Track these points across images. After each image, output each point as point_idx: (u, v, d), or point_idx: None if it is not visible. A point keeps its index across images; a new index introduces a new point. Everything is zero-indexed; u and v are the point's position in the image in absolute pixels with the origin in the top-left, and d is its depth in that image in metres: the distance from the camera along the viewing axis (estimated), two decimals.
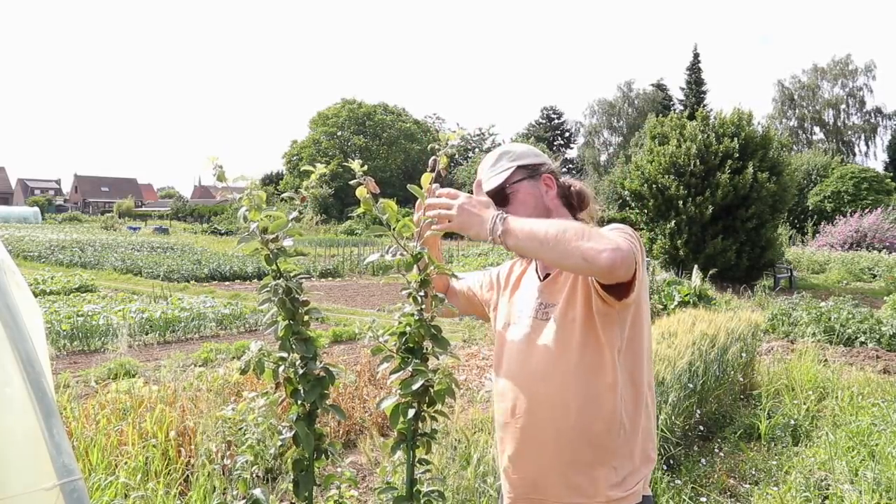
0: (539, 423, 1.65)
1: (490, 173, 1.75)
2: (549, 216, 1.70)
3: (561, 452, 1.63)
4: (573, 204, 1.80)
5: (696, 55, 49.37)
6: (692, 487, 4.01)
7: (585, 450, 1.61)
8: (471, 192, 1.61)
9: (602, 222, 1.79)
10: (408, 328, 1.53)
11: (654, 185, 16.86)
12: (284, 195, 1.61)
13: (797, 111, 55.33)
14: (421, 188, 1.57)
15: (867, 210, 26.77)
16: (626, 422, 1.63)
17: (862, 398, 5.71)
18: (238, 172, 1.43)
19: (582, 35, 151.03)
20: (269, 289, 1.44)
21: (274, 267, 1.43)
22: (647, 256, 16.61)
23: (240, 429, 1.55)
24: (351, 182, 1.48)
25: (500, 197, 1.70)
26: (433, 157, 1.54)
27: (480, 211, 1.52)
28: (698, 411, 4.90)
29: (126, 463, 3.45)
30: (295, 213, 1.44)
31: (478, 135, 65.62)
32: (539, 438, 1.66)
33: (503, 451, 1.76)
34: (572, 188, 1.81)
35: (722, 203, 16.09)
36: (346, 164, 1.51)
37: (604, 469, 1.61)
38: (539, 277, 1.78)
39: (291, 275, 1.45)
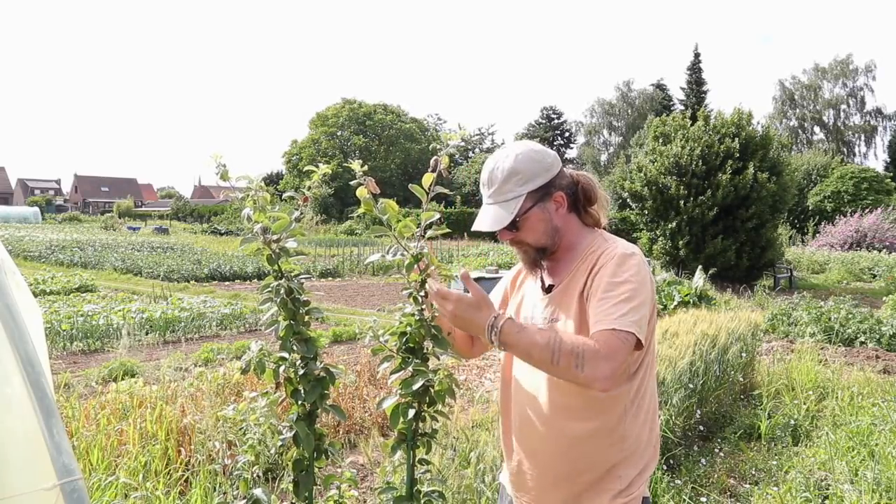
0: (546, 436, 1.63)
1: (497, 197, 1.62)
2: (557, 235, 1.66)
3: (567, 466, 1.61)
4: (581, 207, 1.71)
5: (697, 55, 49.31)
6: (692, 487, 4.01)
7: (590, 464, 1.60)
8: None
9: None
10: (408, 328, 1.53)
11: (654, 186, 16.86)
12: (285, 195, 1.60)
13: (797, 111, 55.34)
14: (422, 188, 1.57)
15: (867, 210, 26.78)
16: (632, 433, 1.61)
17: (862, 398, 5.70)
18: (238, 172, 1.42)
19: (582, 35, 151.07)
20: (270, 289, 1.44)
21: (276, 267, 1.43)
22: (647, 257, 16.62)
23: (240, 429, 1.55)
24: (351, 182, 1.48)
25: (510, 226, 1.63)
26: (435, 157, 1.53)
27: (473, 317, 1.48)
28: (698, 411, 4.90)
29: (126, 463, 3.45)
30: (297, 213, 1.44)
31: (478, 135, 65.59)
32: (545, 452, 1.64)
33: (508, 460, 1.75)
34: (579, 185, 1.70)
35: (722, 203, 16.09)
36: (346, 164, 1.51)
37: (609, 480, 1.60)
38: (543, 288, 1.71)
39: (293, 275, 1.45)
